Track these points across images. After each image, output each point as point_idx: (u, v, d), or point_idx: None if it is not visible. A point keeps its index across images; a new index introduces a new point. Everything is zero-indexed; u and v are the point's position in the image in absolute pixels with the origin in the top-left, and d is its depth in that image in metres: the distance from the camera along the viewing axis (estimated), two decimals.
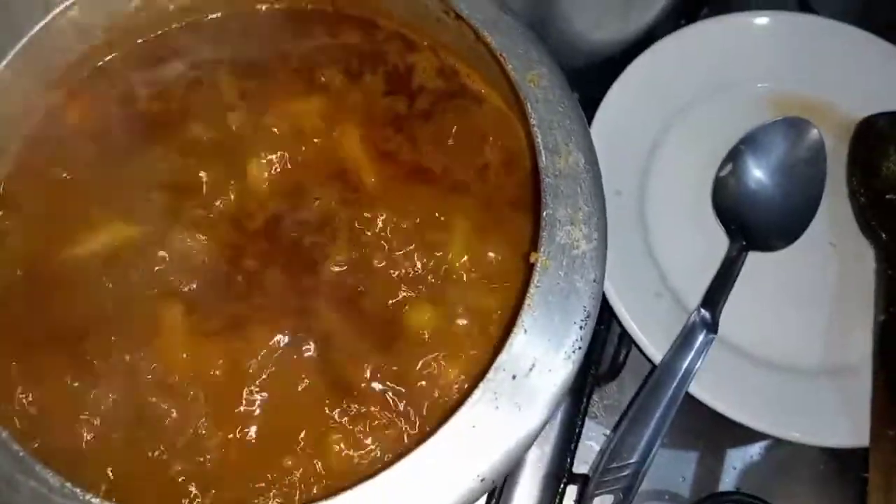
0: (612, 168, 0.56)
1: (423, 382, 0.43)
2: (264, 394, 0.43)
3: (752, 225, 0.58)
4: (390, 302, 0.45)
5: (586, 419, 0.57)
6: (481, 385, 0.38)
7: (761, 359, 0.55)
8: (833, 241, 0.60)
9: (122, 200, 0.47)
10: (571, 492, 0.54)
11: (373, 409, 0.43)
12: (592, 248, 0.42)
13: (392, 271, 0.46)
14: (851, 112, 0.63)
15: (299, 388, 0.43)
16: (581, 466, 0.56)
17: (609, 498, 0.51)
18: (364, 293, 0.45)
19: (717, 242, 0.58)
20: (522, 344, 0.39)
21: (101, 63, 0.51)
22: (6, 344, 0.43)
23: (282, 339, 0.44)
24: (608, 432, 0.59)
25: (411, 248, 0.46)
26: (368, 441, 0.42)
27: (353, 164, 0.49)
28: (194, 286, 0.45)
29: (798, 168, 0.59)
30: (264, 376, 0.43)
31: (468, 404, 0.38)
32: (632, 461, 0.51)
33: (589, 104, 0.59)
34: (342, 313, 0.45)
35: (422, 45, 0.52)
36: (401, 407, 0.43)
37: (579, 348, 0.40)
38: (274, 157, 0.48)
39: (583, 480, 0.53)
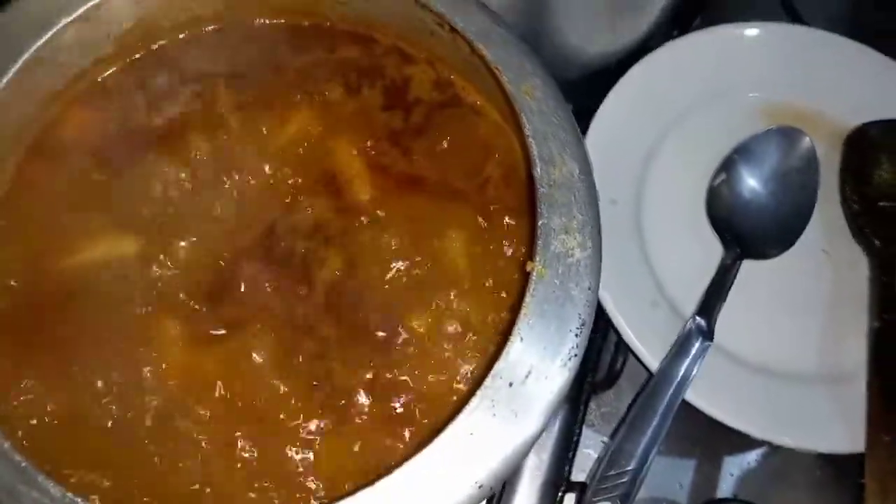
0: (608, 178, 0.56)
1: (420, 390, 0.43)
2: (260, 400, 0.43)
3: (747, 233, 0.58)
4: (387, 310, 0.45)
5: (584, 427, 0.57)
6: (478, 392, 0.38)
7: (757, 366, 0.56)
8: (826, 249, 0.61)
9: (120, 212, 0.47)
10: (569, 500, 0.54)
11: (369, 416, 0.43)
12: (587, 256, 0.42)
13: (388, 279, 0.46)
14: (842, 121, 0.63)
15: (295, 396, 0.43)
16: (579, 474, 0.56)
17: None
18: (360, 301, 0.45)
19: (713, 251, 0.59)
20: (519, 352, 0.39)
21: (99, 78, 0.51)
22: (3, 352, 0.44)
23: (278, 347, 0.44)
24: (605, 440, 0.59)
25: (407, 256, 0.46)
26: (366, 449, 0.42)
27: (350, 174, 0.49)
28: (191, 296, 0.45)
29: (791, 176, 0.60)
30: (260, 384, 0.43)
31: (465, 412, 0.38)
32: (629, 468, 0.51)
33: (584, 115, 0.59)
34: (338, 321, 0.45)
35: (419, 57, 0.53)
36: (397, 414, 0.43)
37: (575, 356, 0.40)
38: (271, 169, 0.49)
39: (580, 488, 0.53)
